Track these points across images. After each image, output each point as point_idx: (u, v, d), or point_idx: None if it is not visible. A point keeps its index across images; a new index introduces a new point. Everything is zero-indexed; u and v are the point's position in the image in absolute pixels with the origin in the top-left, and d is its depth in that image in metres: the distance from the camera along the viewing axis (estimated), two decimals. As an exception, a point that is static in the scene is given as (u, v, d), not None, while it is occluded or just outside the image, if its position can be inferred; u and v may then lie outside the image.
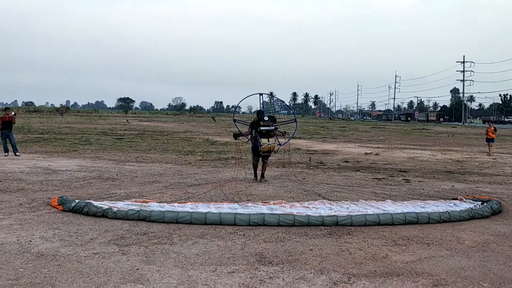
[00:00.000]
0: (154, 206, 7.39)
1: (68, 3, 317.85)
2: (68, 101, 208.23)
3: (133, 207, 7.31)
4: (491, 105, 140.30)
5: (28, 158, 15.22)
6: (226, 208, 7.46)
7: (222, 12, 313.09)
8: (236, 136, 11.40)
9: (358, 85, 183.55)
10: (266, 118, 10.90)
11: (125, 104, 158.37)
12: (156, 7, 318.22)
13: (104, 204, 7.40)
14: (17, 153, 15.84)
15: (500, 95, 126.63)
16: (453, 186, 11.00)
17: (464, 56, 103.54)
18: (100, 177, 11.29)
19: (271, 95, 13.80)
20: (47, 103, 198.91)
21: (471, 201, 8.45)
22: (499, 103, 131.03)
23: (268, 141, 10.77)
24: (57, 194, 8.58)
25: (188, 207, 7.41)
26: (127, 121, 59.70)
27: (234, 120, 11.72)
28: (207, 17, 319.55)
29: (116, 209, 7.11)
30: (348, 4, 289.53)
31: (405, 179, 11.89)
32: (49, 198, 8.34)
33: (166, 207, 7.39)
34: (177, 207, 7.42)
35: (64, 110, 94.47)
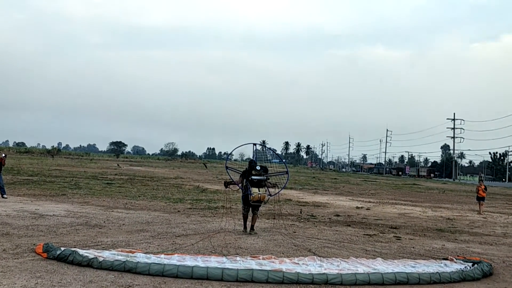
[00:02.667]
0: (140, 257, 7.25)
1: (67, 47, 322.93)
2: (60, 143, 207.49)
3: (119, 257, 7.17)
4: (481, 162, 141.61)
5: (16, 201, 15.01)
6: (213, 261, 7.33)
7: (218, 59, 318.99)
8: (227, 184, 11.39)
9: (349, 137, 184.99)
10: (258, 168, 10.91)
11: (117, 148, 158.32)
12: (151, 51, 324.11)
13: (90, 253, 7.26)
14: (5, 196, 15.62)
15: (490, 153, 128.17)
16: (444, 245, 10.92)
17: (454, 113, 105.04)
18: (87, 223, 11.12)
19: (263, 144, 13.90)
20: (38, 144, 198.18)
21: (461, 261, 8.38)
22: (489, 161, 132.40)
23: (259, 191, 10.73)
24: (42, 240, 8.42)
25: (175, 259, 7.27)
26: (118, 165, 59.45)
27: (227, 168, 11.73)
28: (202, 63, 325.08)
29: (102, 259, 6.97)
30: (339, 57, 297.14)
31: (396, 236, 11.81)
32: (34, 244, 8.17)
33: (153, 258, 7.25)
34: (163, 258, 7.29)
35: (55, 152, 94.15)
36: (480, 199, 20.60)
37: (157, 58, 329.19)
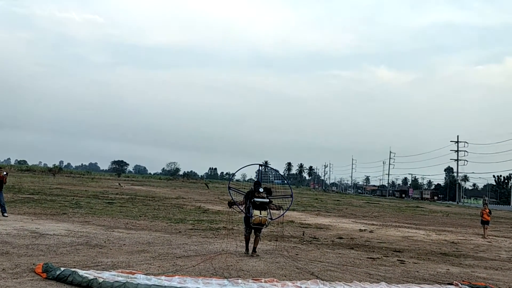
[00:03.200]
0: (141, 279, 7.15)
1: (70, 66, 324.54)
2: (61, 162, 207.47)
3: (119, 278, 7.07)
4: (485, 185, 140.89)
5: (16, 219, 14.92)
6: (215, 284, 7.22)
7: (221, 79, 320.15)
8: (231, 204, 11.26)
9: (352, 159, 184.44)
10: (261, 190, 10.77)
11: (118, 167, 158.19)
12: (154, 71, 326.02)
13: (90, 274, 7.16)
14: (5, 214, 15.52)
15: (493, 176, 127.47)
16: (448, 269, 10.76)
17: (458, 136, 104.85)
18: (87, 243, 11.01)
19: (266, 165, 13.86)
20: (40, 162, 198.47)
21: (467, 287, 8.26)
22: (493, 184, 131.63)
23: (260, 214, 10.58)
24: (42, 260, 8.33)
25: (175, 281, 7.17)
26: (119, 184, 59.31)
27: (229, 188, 11.64)
28: (205, 84, 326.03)
29: (102, 279, 6.87)
30: (343, 78, 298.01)
31: (399, 260, 11.65)
32: (33, 264, 8.07)
33: (153, 280, 7.15)
34: (164, 280, 7.18)
35: (57, 170, 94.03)
36: (484, 222, 20.41)
37: (160, 78, 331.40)
